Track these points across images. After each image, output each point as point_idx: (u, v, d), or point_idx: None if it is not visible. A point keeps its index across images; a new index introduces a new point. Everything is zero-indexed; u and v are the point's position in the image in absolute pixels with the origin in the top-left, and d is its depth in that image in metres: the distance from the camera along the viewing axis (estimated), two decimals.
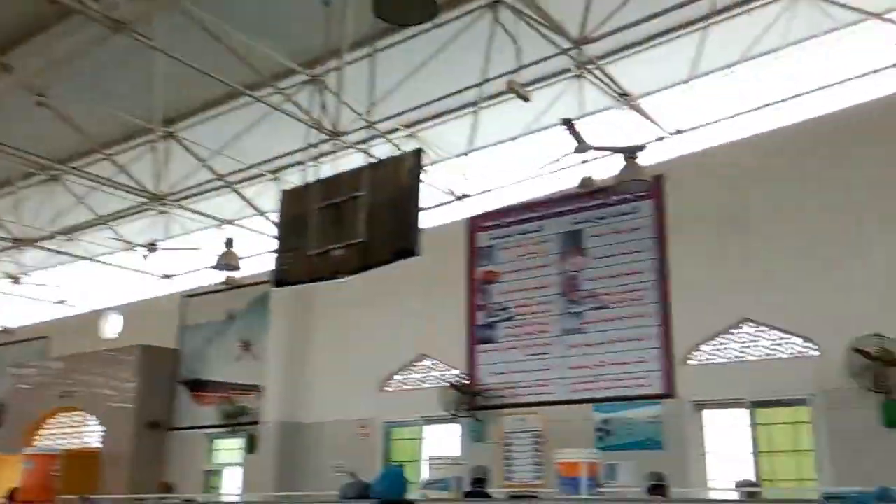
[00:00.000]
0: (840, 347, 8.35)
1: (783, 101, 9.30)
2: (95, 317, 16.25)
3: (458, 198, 11.76)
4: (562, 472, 6.30)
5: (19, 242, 13.58)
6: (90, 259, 14.77)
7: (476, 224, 11.77)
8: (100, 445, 14.12)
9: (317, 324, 13.22)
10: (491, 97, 9.41)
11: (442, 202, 11.76)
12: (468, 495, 7.58)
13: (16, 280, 14.92)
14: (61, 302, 16.62)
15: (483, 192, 11.67)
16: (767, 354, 9.19)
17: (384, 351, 12.14)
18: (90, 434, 14.54)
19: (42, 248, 14.21)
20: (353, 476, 7.26)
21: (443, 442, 11.31)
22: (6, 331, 16.23)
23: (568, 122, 8.61)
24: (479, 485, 7.67)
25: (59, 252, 14.48)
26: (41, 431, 15.12)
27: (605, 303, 10.36)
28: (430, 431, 11.71)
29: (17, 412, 15.59)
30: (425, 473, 9.84)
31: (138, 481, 12.97)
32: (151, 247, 13.05)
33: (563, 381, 10.49)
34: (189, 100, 10.19)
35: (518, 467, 10.49)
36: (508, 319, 11.12)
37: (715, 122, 9.80)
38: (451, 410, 11.02)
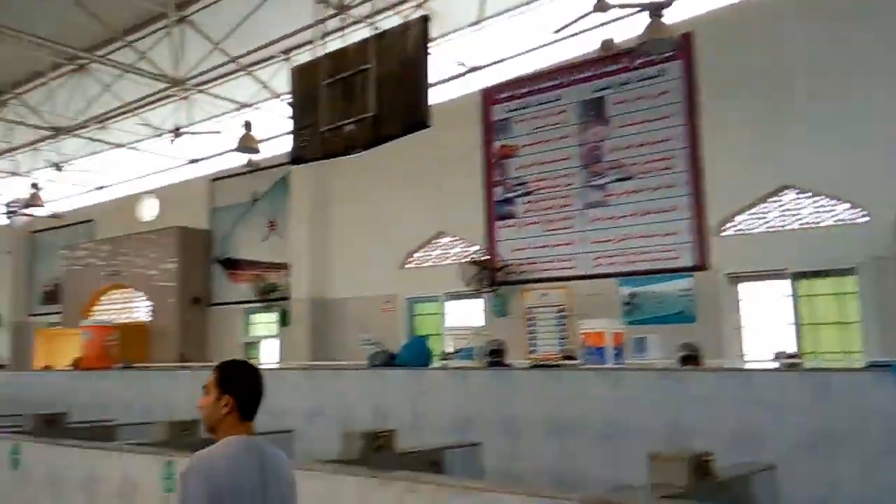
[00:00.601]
0: (890, 213, 7.21)
1: None
2: (134, 200, 15.79)
3: (471, 69, 10.40)
4: (586, 342, 5.90)
5: (57, 131, 13.08)
6: (123, 146, 14.26)
7: (490, 96, 10.43)
8: (148, 319, 13.90)
9: (337, 203, 12.36)
10: None
11: (454, 75, 10.42)
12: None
13: (59, 168, 14.43)
14: (102, 187, 16.04)
15: (496, 63, 10.28)
16: (810, 222, 8.00)
17: (403, 229, 11.31)
18: (139, 309, 14.33)
19: (79, 137, 13.76)
20: (380, 346, 7.06)
21: (465, 317, 10.60)
22: (55, 215, 15.70)
23: None
24: (496, 356, 6.94)
25: (94, 140, 14.10)
26: (95, 307, 14.94)
27: (631, 173, 9.15)
28: (452, 307, 10.98)
29: (72, 291, 15.44)
30: (448, 345, 9.16)
31: (183, 352, 12.73)
32: (177, 132, 12.19)
33: (586, 255, 9.50)
34: None
35: (542, 341, 9.74)
36: (527, 194, 10.02)
37: None
38: (471, 286, 10.22)
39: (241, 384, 2.30)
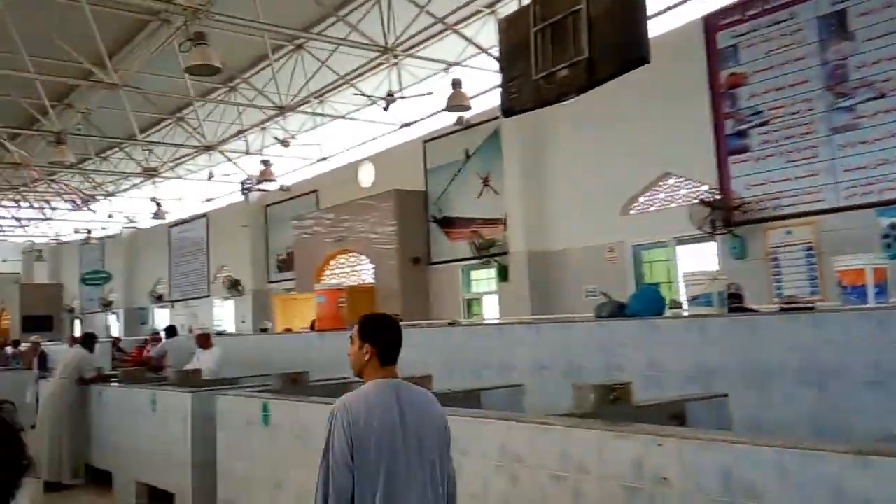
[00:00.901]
0: None
1: None
2: (353, 168, 17.34)
3: None
4: (843, 281, 5.43)
5: (282, 109, 14.67)
6: (341, 117, 15.70)
7: (714, 23, 10.12)
8: (373, 281, 15.33)
9: (551, 152, 12.70)
10: None
11: (672, 4, 10.24)
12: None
13: (285, 143, 16.33)
14: (324, 158, 17.87)
15: None
16: None
17: (624, 172, 11.38)
18: (364, 271, 15.84)
19: (301, 112, 15.41)
20: (607, 297, 6.99)
21: (698, 262, 10.50)
22: (284, 188, 17.88)
23: None
24: (736, 301, 6.92)
25: (314, 114, 15.67)
26: (325, 272, 16.73)
27: (884, 90, 8.51)
28: (682, 252, 10.95)
29: (303, 258, 17.42)
30: (681, 292, 9.23)
31: (407, 310, 13.95)
32: (389, 98, 13.32)
33: (836, 185, 9.03)
34: None
35: (788, 282, 9.43)
36: (763, 124, 9.68)
37: None
38: (704, 228, 10.12)
39: (378, 334, 2.75)
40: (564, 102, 6.88)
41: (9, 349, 16.82)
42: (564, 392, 3.92)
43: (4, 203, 24.52)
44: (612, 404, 3.62)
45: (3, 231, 29.76)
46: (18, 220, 27.21)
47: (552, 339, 6.76)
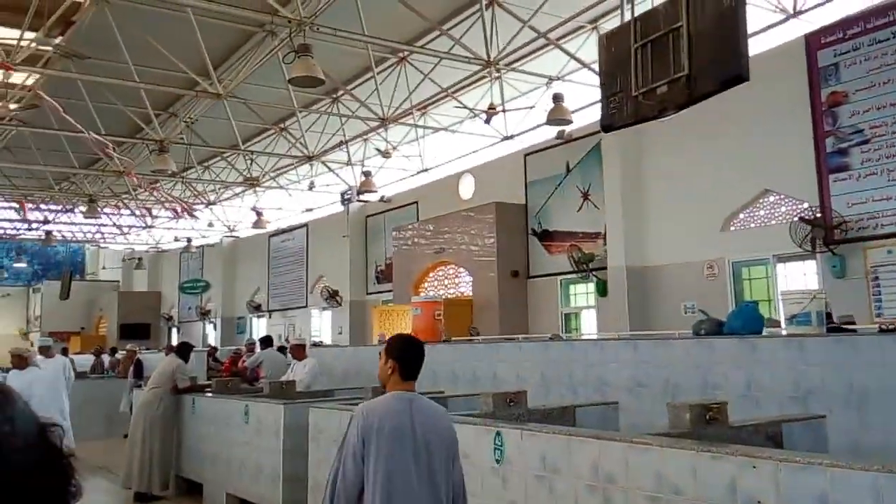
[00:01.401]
0: None
1: None
2: (453, 180, 19.03)
3: (793, 14, 11.33)
4: None
5: (384, 121, 16.28)
6: (442, 129, 17.37)
7: (816, 41, 11.27)
8: (471, 293, 16.88)
9: (651, 167, 13.93)
10: None
11: (773, 23, 11.45)
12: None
13: (386, 154, 18.13)
14: (425, 170, 19.61)
15: (821, 5, 11.09)
16: None
17: (724, 189, 12.51)
18: (462, 284, 17.39)
19: (402, 124, 17.03)
20: (706, 314, 7.63)
21: (797, 280, 11.60)
22: (384, 199, 19.82)
23: None
24: (827, 321, 7.81)
25: (416, 126, 17.32)
26: (424, 283, 18.39)
27: None
28: (782, 269, 12.03)
29: (401, 269, 19.11)
30: (780, 311, 10.30)
31: (505, 323, 15.45)
32: (491, 111, 14.90)
33: None
34: None
35: (889, 302, 10.40)
36: (863, 143, 10.74)
37: None
38: (804, 246, 11.16)
39: (401, 352, 3.40)
40: (664, 118, 8.03)
41: (106, 357, 18.33)
42: (660, 410, 4.26)
43: (106, 210, 26.27)
44: (707, 424, 3.93)
45: (105, 239, 32.72)
46: (119, 227, 29.69)
47: (649, 356, 7.03)
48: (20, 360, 9.57)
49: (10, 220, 26.85)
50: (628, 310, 13.65)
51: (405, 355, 3.42)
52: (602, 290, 14.52)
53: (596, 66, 11.89)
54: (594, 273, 14.67)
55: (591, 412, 5.51)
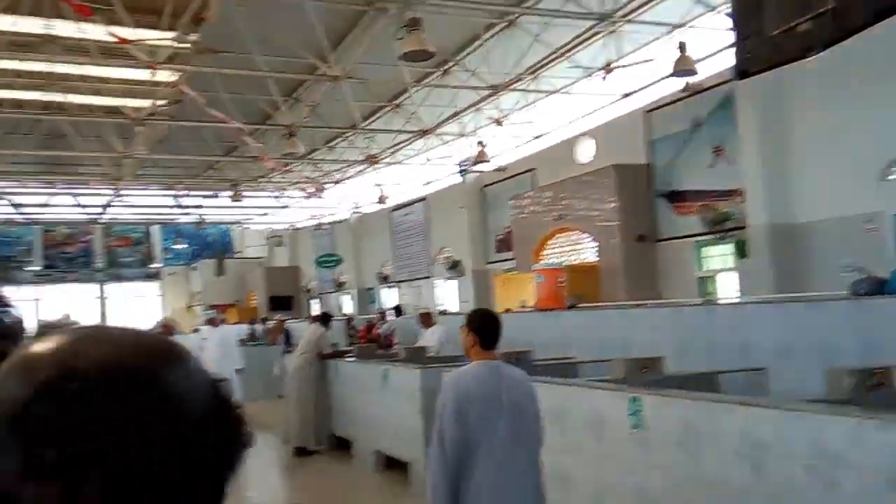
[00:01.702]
0: None
1: None
2: (570, 144, 17.61)
3: None
4: None
5: (495, 89, 15.28)
6: (556, 91, 16.01)
7: None
8: (595, 259, 15.52)
9: (794, 115, 12.06)
10: None
11: None
12: None
13: (499, 123, 17.01)
14: (539, 136, 18.33)
15: None
16: None
17: (883, 131, 10.58)
18: (586, 249, 16.09)
19: (514, 90, 15.94)
20: (865, 272, 6.95)
21: None
22: (500, 169, 18.63)
23: None
24: None
25: (528, 91, 16.07)
26: (545, 251, 17.22)
27: None
28: None
29: (521, 237, 18.05)
30: None
31: (631, 289, 13.99)
32: (607, 68, 13.37)
33: None
34: None
35: None
36: None
37: None
38: None
39: (480, 324, 3.56)
40: (807, 59, 6.72)
41: (258, 326, 19.34)
42: (813, 377, 4.02)
43: (246, 193, 27.77)
44: (871, 390, 3.60)
45: (250, 219, 34.16)
46: (259, 208, 30.90)
47: (800, 320, 6.68)
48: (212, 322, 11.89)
49: (169, 207, 28.36)
50: (773, 271, 11.95)
51: (483, 327, 3.56)
52: (742, 251, 12.82)
53: (724, 9, 10.32)
54: (731, 233, 13.05)
55: (736, 378, 5.21)
